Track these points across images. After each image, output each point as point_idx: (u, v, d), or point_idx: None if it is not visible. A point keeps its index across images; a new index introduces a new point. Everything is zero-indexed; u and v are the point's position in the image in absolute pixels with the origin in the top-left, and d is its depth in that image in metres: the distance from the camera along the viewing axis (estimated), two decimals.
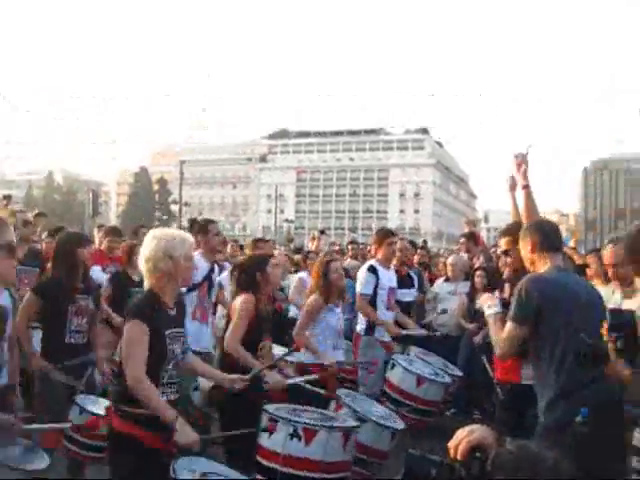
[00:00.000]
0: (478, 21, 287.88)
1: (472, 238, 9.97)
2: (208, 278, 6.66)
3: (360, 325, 7.32)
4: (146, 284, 3.88)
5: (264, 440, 4.59)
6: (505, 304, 4.30)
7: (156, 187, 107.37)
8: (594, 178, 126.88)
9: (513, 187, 5.15)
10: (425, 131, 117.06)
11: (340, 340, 6.30)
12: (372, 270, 7.24)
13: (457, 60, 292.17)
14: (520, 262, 4.86)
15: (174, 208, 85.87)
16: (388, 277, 7.39)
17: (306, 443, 4.44)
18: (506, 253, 5.05)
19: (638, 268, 3.48)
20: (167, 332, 3.73)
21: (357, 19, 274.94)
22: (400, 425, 5.53)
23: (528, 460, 1.59)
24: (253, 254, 6.45)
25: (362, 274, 7.33)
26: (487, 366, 5.96)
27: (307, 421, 4.58)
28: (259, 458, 4.58)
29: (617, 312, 3.71)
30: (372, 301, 7.18)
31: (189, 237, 4.04)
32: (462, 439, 1.75)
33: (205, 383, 5.36)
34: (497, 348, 4.01)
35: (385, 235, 7.62)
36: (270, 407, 4.78)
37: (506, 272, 5.20)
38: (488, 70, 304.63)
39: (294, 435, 4.46)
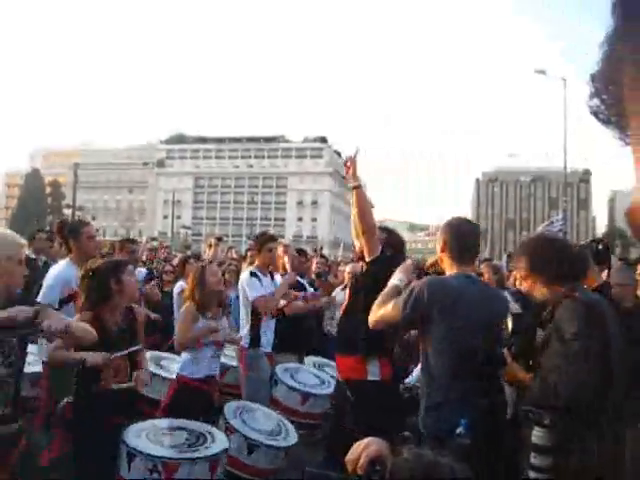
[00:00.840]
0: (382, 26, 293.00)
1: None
2: None
3: (244, 339, 6.78)
4: None
5: (124, 472, 4.30)
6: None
7: (48, 190, 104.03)
8: (486, 189, 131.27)
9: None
10: (324, 140, 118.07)
11: (221, 350, 5.94)
12: (254, 275, 6.95)
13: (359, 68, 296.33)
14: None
15: (67, 212, 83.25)
16: (267, 283, 7.06)
17: (167, 479, 4.19)
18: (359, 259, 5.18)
19: (538, 281, 3.56)
20: None
21: (260, 23, 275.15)
22: (293, 439, 5.48)
23: (424, 468, 1.61)
24: (106, 259, 5.43)
25: (246, 280, 6.95)
26: None
27: (166, 454, 4.29)
28: None
29: (517, 317, 3.82)
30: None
31: (15, 238, 3.76)
32: (360, 453, 1.77)
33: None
34: (373, 315, 3.94)
35: (265, 241, 7.33)
36: (130, 432, 4.45)
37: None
38: (386, 78, 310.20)
39: (154, 470, 4.18)
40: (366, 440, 1.84)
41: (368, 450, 1.78)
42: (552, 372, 3.13)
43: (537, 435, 3.10)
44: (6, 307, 3.45)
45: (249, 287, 6.89)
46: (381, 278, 4.52)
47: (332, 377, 7.00)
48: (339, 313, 9.09)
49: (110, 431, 4.35)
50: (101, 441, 4.26)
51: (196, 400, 5.40)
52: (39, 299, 5.21)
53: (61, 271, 6.01)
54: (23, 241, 3.81)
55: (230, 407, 5.54)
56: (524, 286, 3.64)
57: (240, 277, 7.46)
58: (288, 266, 8.10)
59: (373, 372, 4.90)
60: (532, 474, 3.09)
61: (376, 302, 3.98)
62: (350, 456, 1.81)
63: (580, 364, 3.04)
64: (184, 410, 5.18)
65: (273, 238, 7.58)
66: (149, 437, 4.50)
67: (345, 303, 5.48)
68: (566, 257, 3.56)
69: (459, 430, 3.20)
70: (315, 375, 6.83)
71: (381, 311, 3.85)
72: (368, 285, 4.87)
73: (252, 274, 6.99)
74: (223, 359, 6.37)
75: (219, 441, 4.65)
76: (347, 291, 5.47)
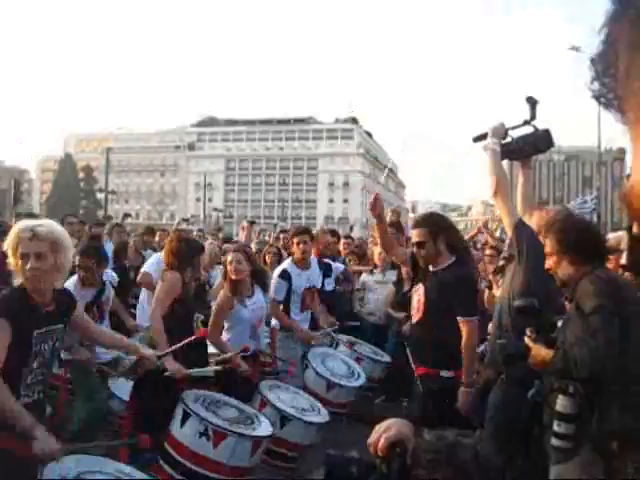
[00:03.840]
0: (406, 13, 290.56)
1: (397, 227, 10.03)
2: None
3: (275, 320, 7.20)
4: (18, 279, 3.52)
5: (175, 429, 4.60)
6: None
7: (81, 175, 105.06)
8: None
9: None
10: (355, 121, 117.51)
11: (258, 331, 6.14)
12: (283, 276, 7.01)
13: (388, 50, 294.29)
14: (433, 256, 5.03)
15: (100, 196, 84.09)
16: (305, 277, 7.14)
17: (214, 445, 4.45)
18: (419, 245, 5.11)
19: (564, 260, 3.53)
20: (37, 331, 3.41)
21: (290, 6, 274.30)
22: (325, 417, 5.58)
23: (447, 449, 1.60)
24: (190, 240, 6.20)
25: (274, 279, 7.08)
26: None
27: (219, 423, 4.55)
28: (167, 445, 4.59)
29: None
30: (286, 304, 7.01)
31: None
32: (380, 435, 1.75)
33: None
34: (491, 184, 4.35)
35: (293, 234, 7.42)
36: (189, 396, 4.76)
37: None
38: (419, 60, 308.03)
39: (203, 434, 4.46)
40: (386, 423, 1.80)
41: (388, 433, 1.75)
42: (574, 346, 3.15)
43: (561, 403, 3.13)
44: (53, 301, 3.56)
45: (272, 287, 6.95)
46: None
47: (367, 358, 7.08)
48: (369, 294, 9.21)
49: (173, 389, 4.87)
50: (164, 395, 4.84)
51: (231, 378, 5.58)
52: None
53: None
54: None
55: (265, 384, 5.70)
56: (548, 264, 3.65)
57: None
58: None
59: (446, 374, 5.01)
60: (555, 441, 3.12)
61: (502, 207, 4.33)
62: (371, 439, 1.78)
63: (600, 337, 3.06)
64: (220, 388, 5.37)
65: (306, 230, 7.52)
66: (204, 404, 4.77)
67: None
68: (592, 237, 3.60)
69: (531, 392, 3.37)
70: (348, 365, 6.83)
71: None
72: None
73: (282, 274, 7.05)
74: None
75: (265, 426, 4.86)
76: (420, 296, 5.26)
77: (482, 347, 6.13)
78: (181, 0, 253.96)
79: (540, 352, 3.49)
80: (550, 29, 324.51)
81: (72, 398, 6.03)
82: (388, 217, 11.32)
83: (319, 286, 7.46)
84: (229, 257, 6.03)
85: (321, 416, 5.57)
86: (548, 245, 3.65)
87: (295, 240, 7.16)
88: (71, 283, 6.21)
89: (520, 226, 4.37)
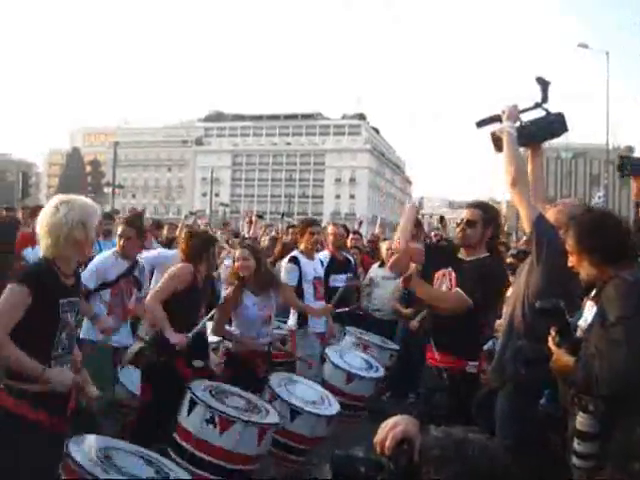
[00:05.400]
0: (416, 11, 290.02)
1: (417, 224, 9.97)
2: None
3: (292, 320, 7.17)
4: (44, 251, 3.68)
5: (182, 417, 4.64)
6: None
7: (89, 169, 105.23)
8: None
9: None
10: (362, 117, 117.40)
11: (265, 327, 6.10)
12: (294, 261, 7.05)
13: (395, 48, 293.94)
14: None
15: (107, 190, 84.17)
16: (312, 267, 7.22)
17: (220, 432, 4.47)
18: (469, 223, 4.95)
19: (586, 260, 3.28)
20: (62, 301, 3.60)
21: (297, 1, 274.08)
22: (335, 408, 5.56)
23: (455, 445, 1.59)
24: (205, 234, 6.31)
25: (284, 265, 7.14)
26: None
27: (226, 410, 4.58)
28: (175, 434, 4.62)
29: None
30: (299, 293, 7.01)
31: (98, 206, 3.92)
32: (387, 434, 1.74)
33: (134, 347, 5.67)
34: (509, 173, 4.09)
35: (307, 224, 7.49)
36: (197, 385, 4.81)
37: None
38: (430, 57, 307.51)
39: (210, 421, 4.49)
40: (392, 420, 1.78)
41: (394, 431, 1.73)
42: (594, 358, 2.97)
43: (581, 421, 3.02)
44: (73, 274, 3.78)
45: (283, 273, 7.05)
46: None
47: (374, 345, 7.27)
48: (376, 290, 9.19)
49: (181, 377, 5.00)
50: (172, 384, 4.92)
51: (241, 371, 5.68)
52: None
53: None
54: (99, 211, 3.98)
55: (276, 377, 5.69)
56: (571, 261, 3.39)
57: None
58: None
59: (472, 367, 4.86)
60: (576, 460, 3.02)
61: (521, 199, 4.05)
62: (377, 437, 1.76)
63: (622, 351, 2.86)
64: (228, 381, 5.39)
65: (315, 222, 7.79)
66: (212, 393, 4.80)
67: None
68: (621, 236, 3.29)
69: (543, 401, 3.29)
70: (365, 360, 6.83)
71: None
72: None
73: (292, 259, 7.10)
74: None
75: (272, 415, 4.89)
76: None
77: (487, 345, 6.09)
78: None
79: (563, 358, 3.27)
80: (554, 23, 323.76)
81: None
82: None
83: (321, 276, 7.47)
84: (237, 253, 6.10)
85: (332, 408, 5.56)
86: (568, 243, 3.39)
87: (310, 230, 7.23)
88: (110, 252, 6.44)
89: (541, 221, 3.99)
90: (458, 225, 5.05)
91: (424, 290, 5.16)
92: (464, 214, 5.08)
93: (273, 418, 4.84)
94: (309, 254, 7.24)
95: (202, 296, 5.53)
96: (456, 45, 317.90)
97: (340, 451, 1.83)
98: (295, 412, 5.24)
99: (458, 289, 4.85)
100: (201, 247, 5.52)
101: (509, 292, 4.82)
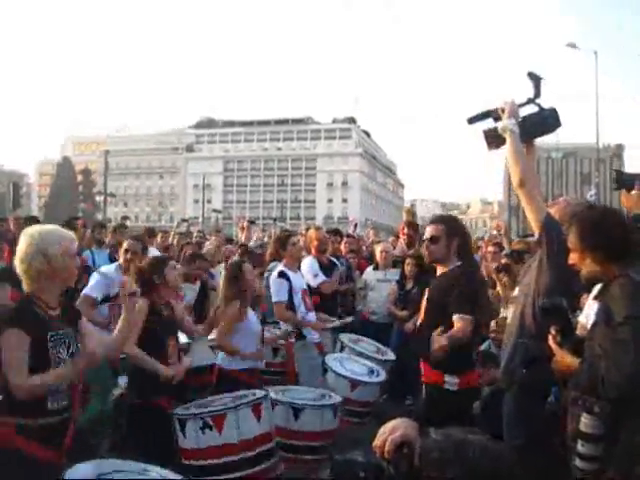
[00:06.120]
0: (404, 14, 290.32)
1: (412, 226, 9.98)
2: None
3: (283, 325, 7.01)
4: (25, 287, 3.62)
5: (181, 442, 4.63)
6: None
7: (80, 178, 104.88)
8: None
9: None
10: (352, 120, 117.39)
11: (259, 343, 6.01)
12: (283, 275, 6.94)
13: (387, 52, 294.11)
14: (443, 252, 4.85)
15: (99, 199, 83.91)
16: (298, 280, 7.12)
17: (219, 431, 4.48)
18: (432, 240, 4.90)
19: (589, 257, 3.24)
20: (49, 335, 3.50)
21: (287, 8, 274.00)
22: (337, 398, 5.57)
23: (454, 446, 1.58)
24: (152, 257, 5.92)
25: (273, 281, 7.03)
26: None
27: (212, 408, 4.62)
28: (185, 461, 4.60)
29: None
30: (291, 306, 6.89)
31: (67, 232, 3.81)
32: (386, 437, 1.73)
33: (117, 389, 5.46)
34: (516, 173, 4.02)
35: (286, 237, 7.39)
36: (178, 409, 4.80)
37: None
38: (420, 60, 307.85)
39: (205, 427, 4.49)
40: (391, 424, 1.76)
41: (394, 435, 1.72)
42: (600, 359, 2.94)
43: (585, 423, 2.97)
44: (60, 305, 3.69)
45: (273, 289, 6.99)
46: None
47: (374, 353, 7.19)
48: (371, 293, 9.18)
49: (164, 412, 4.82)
50: (157, 423, 4.73)
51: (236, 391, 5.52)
52: None
53: None
54: (73, 235, 3.90)
55: (271, 389, 5.61)
56: (571, 259, 3.35)
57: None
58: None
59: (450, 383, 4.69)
60: (579, 462, 2.98)
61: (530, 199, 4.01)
62: (377, 442, 1.74)
63: (629, 352, 2.82)
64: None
65: (292, 233, 7.84)
66: (195, 407, 4.84)
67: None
68: (626, 233, 3.25)
69: (551, 398, 3.34)
70: (364, 365, 6.80)
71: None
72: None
73: (280, 274, 6.99)
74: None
75: (259, 393, 4.94)
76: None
77: (483, 346, 6.06)
78: (179, 2, 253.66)
79: (565, 358, 3.28)
80: (547, 21, 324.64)
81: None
82: (404, 216, 11.30)
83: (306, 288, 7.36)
84: (247, 271, 5.94)
85: (333, 399, 5.55)
86: (571, 240, 3.34)
87: (291, 241, 7.22)
88: (111, 268, 6.31)
89: (550, 221, 3.95)
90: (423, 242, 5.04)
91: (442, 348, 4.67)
92: (427, 231, 5.04)
93: (260, 393, 4.89)
94: (293, 267, 7.17)
95: (169, 323, 5.29)
96: (456, 45, 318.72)
97: (340, 456, 1.82)
98: (297, 410, 5.26)
99: (455, 316, 4.67)
100: (151, 272, 5.22)
101: (515, 292, 4.73)
